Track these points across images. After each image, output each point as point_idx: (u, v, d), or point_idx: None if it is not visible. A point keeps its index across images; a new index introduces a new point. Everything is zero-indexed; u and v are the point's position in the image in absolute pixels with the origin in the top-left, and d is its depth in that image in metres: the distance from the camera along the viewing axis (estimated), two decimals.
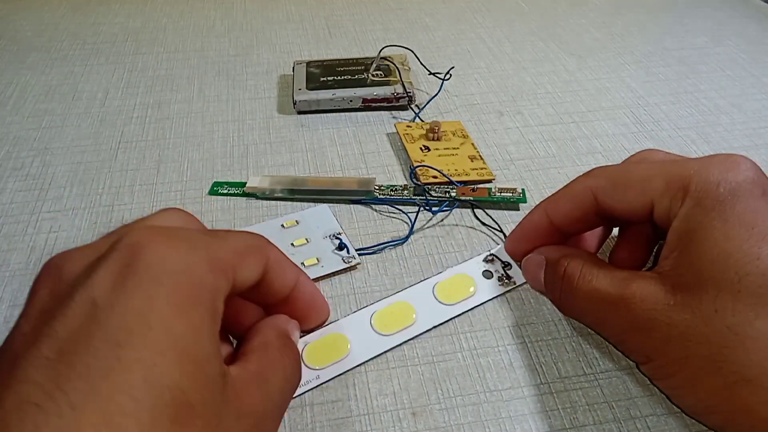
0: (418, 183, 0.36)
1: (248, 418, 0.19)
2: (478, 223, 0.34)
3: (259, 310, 0.25)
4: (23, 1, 0.59)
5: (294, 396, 0.25)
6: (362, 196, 0.35)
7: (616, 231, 0.31)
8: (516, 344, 0.28)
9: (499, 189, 0.35)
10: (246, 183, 0.36)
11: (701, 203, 0.22)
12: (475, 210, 0.35)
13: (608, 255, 0.29)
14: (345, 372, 0.27)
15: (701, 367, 0.21)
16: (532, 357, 0.27)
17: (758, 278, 0.21)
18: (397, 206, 0.35)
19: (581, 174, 0.27)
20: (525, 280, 0.30)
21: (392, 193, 0.35)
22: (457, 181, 0.36)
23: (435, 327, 0.28)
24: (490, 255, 0.32)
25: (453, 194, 0.34)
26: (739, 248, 0.21)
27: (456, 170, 0.37)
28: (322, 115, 0.43)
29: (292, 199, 0.35)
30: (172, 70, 0.49)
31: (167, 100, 0.45)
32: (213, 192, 0.36)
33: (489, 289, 0.30)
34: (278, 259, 0.24)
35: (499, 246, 0.32)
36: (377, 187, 0.35)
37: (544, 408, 0.25)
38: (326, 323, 0.28)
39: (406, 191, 0.35)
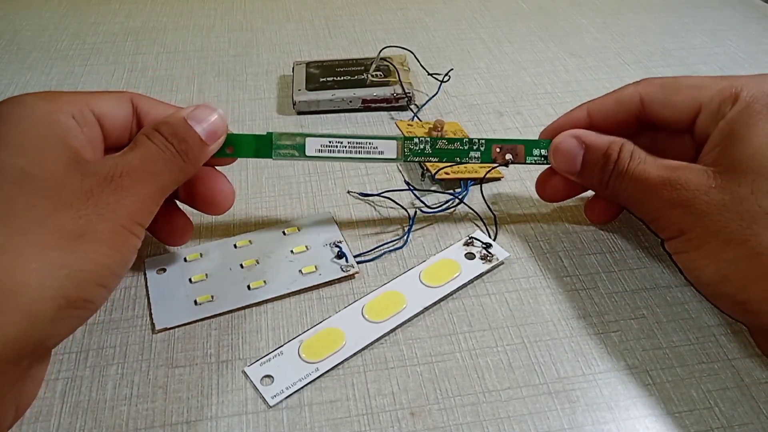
0: (436, 179, 0.36)
1: (94, 177, 0.24)
2: (473, 215, 0.34)
3: None
4: (23, 1, 0.59)
5: (294, 388, 0.25)
6: (383, 154, 0.31)
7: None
8: (515, 344, 0.28)
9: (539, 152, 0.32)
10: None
11: (750, 107, 0.26)
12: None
13: None
14: (344, 361, 0.27)
15: (730, 240, 0.24)
16: (531, 357, 0.27)
17: None
18: (396, 202, 0.35)
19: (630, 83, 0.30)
20: (551, 163, 0.31)
21: (417, 147, 0.31)
22: (469, 179, 0.36)
23: (426, 309, 0.29)
24: (470, 238, 0.32)
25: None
26: None
27: (465, 168, 0.37)
28: (321, 115, 0.43)
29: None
30: (172, 71, 0.49)
31: (167, 101, 0.45)
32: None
33: (474, 268, 0.31)
34: (145, 97, 0.29)
35: (477, 230, 0.33)
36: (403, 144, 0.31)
37: (542, 408, 0.25)
38: (321, 323, 0.28)
39: (430, 146, 0.31)
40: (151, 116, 0.28)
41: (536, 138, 0.33)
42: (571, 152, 0.30)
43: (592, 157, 0.29)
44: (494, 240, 0.33)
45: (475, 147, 0.32)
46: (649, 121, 0.30)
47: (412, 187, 0.34)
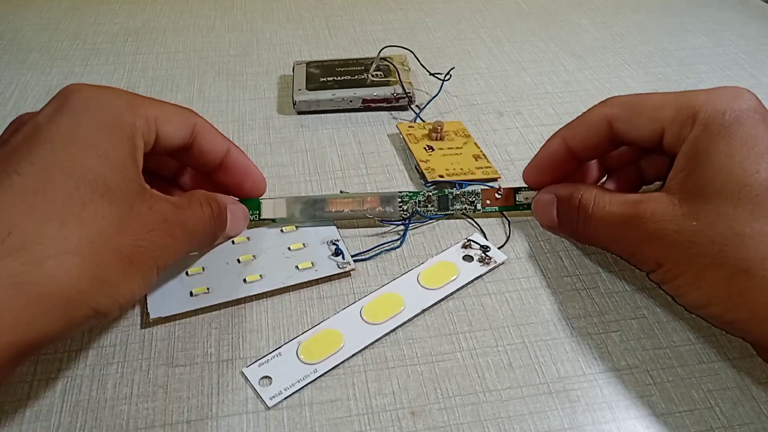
0: (431, 183, 0.36)
1: (157, 213, 0.25)
2: (472, 215, 0.34)
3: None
4: (23, 1, 0.59)
5: (293, 389, 0.25)
6: (386, 216, 0.33)
7: None
8: (515, 344, 0.28)
9: (524, 196, 0.33)
10: (260, 203, 0.32)
11: (708, 129, 0.25)
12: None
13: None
14: (342, 362, 0.27)
15: (705, 265, 0.24)
16: (531, 357, 0.27)
17: (756, 188, 0.24)
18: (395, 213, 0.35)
19: (596, 103, 0.30)
20: (536, 219, 0.33)
21: (417, 207, 0.33)
22: (464, 181, 0.36)
23: (424, 311, 0.29)
24: (468, 240, 0.33)
25: (477, 206, 0.33)
26: (740, 164, 0.24)
27: (461, 169, 0.37)
28: (321, 115, 0.43)
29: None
30: (172, 71, 0.49)
31: (167, 101, 0.45)
32: None
33: (471, 270, 0.31)
34: (207, 126, 0.29)
35: (475, 232, 0.33)
36: (400, 203, 0.33)
37: (543, 408, 0.25)
38: (320, 324, 0.28)
39: (430, 205, 0.33)
40: (205, 145, 0.29)
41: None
42: (546, 205, 0.31)
43: (561, 206, 0.31)
44: (506, 242, 0.33)
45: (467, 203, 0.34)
46: (620, 141, 0.29)
47: (407, 222, 0.33)
